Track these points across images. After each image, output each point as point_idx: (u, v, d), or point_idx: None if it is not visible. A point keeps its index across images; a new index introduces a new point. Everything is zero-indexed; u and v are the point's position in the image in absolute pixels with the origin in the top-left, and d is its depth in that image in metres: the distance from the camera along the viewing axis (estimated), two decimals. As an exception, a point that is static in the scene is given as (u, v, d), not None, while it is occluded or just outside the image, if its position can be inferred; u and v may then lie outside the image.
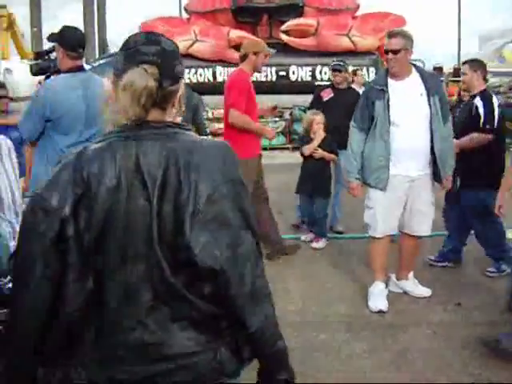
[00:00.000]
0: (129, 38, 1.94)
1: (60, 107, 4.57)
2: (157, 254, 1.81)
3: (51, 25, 32.48)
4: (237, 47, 14.55)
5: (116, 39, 34.94)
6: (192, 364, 1.87)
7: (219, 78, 14.49)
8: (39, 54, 5.04)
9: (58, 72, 4.76)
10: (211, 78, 14.91)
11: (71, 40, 4.63)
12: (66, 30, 4.71)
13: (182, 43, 13.57)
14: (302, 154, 7.45)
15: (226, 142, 2.04)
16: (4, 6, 27.84)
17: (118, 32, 36.86)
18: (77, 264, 1.81)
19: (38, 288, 1.82)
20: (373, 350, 4.63)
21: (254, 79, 10.95)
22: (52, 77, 4.85)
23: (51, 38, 4.76)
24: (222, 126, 14.06)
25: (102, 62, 15.41)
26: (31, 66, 5.08)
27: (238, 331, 1.94)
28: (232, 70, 14.29)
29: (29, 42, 31.22)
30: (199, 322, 1.88)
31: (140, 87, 1.82)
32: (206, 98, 12.74)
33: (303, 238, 7.58)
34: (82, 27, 4.83)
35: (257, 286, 1.87)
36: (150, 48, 1.87)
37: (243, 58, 6.48)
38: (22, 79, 16.86)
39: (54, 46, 4.79)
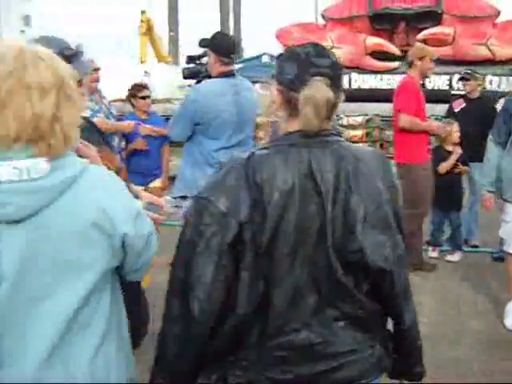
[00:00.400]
0: (296, 48, 1.99)
1: (209, 112, 4.67)
2: (329, 257, 1.86)
3: (187, 29, 33.50)
4: (373, 54, 14.52)
5: (250, 44, 35.58)
6: (353, 361, 1.94)
7: (354, 85, 14.39)
8: (191, 58, 5.20)
9: (209, 77, 4.86)
10: (346, 85, 14.80)
11: (223, 46, 4.72)
12: (218, 35, 4.82)
13: (319, 50, 13.55)
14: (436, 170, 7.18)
15: (379, 150, 2.11)
16: (144, 12, 28.85)
17: (252, 37, 37.59)
18: (251, 267, 1.83)
19: (209, 294, 1.83)
20: (507, 369, 4.50)
21: (390, 87, 10.88)
22: (203, 81, 4.96)
23: (203, 43, 4.85)
24: (356, 133, 14.12)
25: (240, 66, 15.69)
26: (183, 70, 5.24)
27: (385, 329, 2.08)
28: (367, 77, 14.36)
29: (166, 45, 32.24)
30: (361, 320, 1.96)
31: (322, 100, 1.87)
32: (341, 105, 12.63)
33: (430, 254, 7.38)
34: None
35: (407, 284, 2.02)
36: (323, 60, 1.93)
37: (410, 65, 6.65)
38: (159, 82, 17.42)
39: (205, 51, 4.90)
